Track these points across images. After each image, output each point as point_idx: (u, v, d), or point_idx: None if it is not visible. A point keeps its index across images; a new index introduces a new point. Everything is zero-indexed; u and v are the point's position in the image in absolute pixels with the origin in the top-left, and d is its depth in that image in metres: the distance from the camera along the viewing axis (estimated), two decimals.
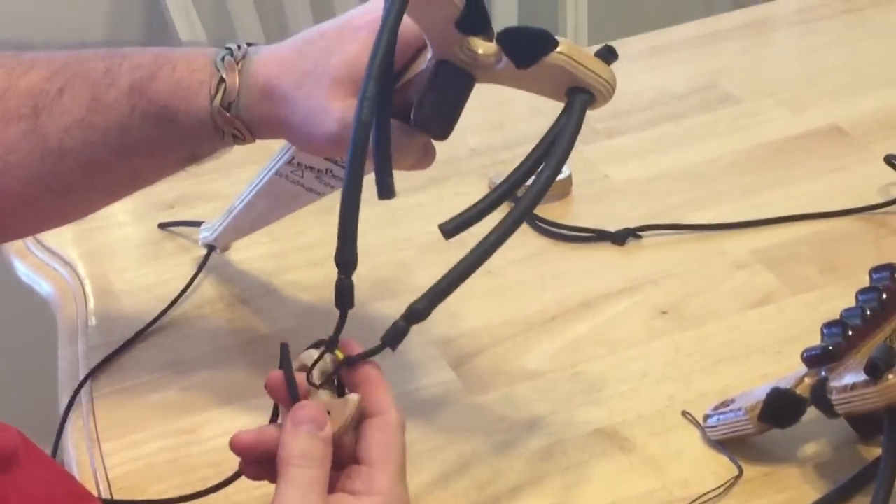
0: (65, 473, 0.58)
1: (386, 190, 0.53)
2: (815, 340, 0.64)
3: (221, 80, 0.60)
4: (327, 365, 0.52)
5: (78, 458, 0.69)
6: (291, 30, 1.53)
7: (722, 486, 0.63)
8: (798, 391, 0.62)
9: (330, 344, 0.52)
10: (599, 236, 0.85)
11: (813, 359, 0.63)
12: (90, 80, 0.61)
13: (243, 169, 0.76)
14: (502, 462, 0.66)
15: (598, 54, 0.54)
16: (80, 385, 0.74)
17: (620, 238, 0.84)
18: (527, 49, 0.53)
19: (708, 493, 0.63)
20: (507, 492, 0.65)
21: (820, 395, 0.61)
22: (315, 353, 0.52)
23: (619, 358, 0.74)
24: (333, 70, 0.57)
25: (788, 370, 0.65)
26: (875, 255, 0.79)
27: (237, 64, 0.60)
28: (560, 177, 0.88)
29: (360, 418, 0.51)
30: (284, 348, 0.53)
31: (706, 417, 0.67)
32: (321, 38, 0.59)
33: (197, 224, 0.86)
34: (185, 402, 0.72)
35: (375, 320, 0.76)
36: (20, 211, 0.64)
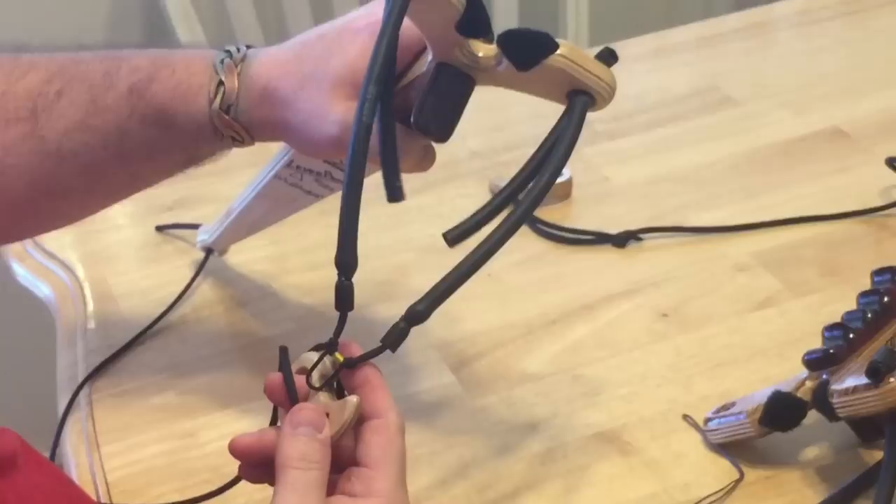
0: (63, 477, 0.58)
1: (395, 193, 0.53)
2: (817, 343, 0.64)
3: (220, 82, 0.60)
4: (327, 367, 0.52)
5: (77, 461, 0.69)
6: (291, 32, 1.53)
7: (723, 489, 0.63)
8: (799, 394, 0.62)
9: (330, 346, 0.51)
10: (600, 239, 0.85)
11: (814, 362, 0.63)
12: (88, 82, 0.61)
13: (243, 171, 0.76)
14: (503, 465, 0.66)
15: (599, 56, 0.54)
16: (79, 388, 0.74)
17: (621, 240, 0.84)
18: (527, 51, 0.53)
19: (709, 496, 0.63)
20: (508, 495, 0.64)
21: (821, 399, 0.61)
22: (314, 356, 0.52)
23: (620, 361, 0.74)
24: (333, 72, 0.57)
25: (790, 373, 0.65)
26: (876, 258, 0.79)
27: (236, 67, 0.60)
28: (561, 179, 0.88)
29: (360, 420, 0.51)
30: (283, 351, 0.52)
31: (707, 421, 0.67)
32: (320, 41, 0.59)
33: (195, 227, 0.86)
34: (184, 406, 0.72)
35: (375, 323, 0.76)
36: (19, 213, 0.64)
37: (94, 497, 0.65)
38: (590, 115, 0.54)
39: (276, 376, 0.52)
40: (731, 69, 1.09)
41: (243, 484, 0.54)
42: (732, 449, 0.65)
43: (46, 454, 0.68)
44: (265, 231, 0.79)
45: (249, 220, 0.77)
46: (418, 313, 0.49)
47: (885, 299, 0.64)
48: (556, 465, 0.66)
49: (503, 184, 0.53)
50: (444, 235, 0.51)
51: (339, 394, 0.52)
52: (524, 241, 0.85)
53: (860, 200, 0.87)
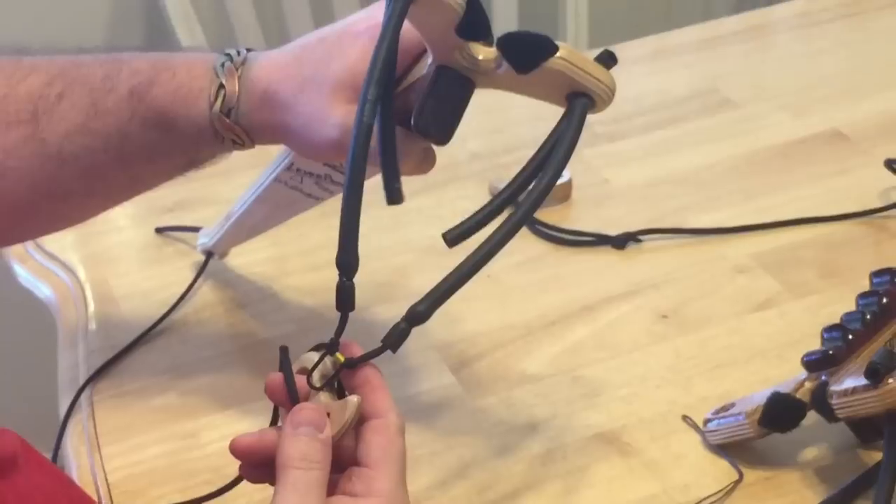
0: (64, 478, 0.58)
1: (394, 195, 0.53)
2: (816, 345, 0.64)
3: (221, 86, 0.60)
4: (327, 367, 0.52)
5: (78, 462, 0.69)
6: (291, 34, 1.53)
7: (722, 490, 0.63)
8: (798, 395, 0.62)
9: (331, 346, 0.52)
10: (600, 240, 0.85)
11: (813, 363, 0.63)
12: (89, 85, 0.61)
13: (244, 173, 0.76)
14: (502, 466, 0.66)
15: (598, 59, 0.54)
16: (81, 389, 0.74)
17: (621, 242, 0.84)
18: (527, 54, 0.53)
19: (708, 497, 0.63)
20: (508, 496, 0.64)
21: (820, 400, 0.61)
22: (315, 356, 0.52)
23: (620, 362, 0.74)
24: (333, 76, 0.57)
25: (789, 374, 0.65)
26: (875, 259, 0.79)
27: (237, 70, 0.60)
28: (560, 181, 0.88)
29: (360, 420, 0.51)
30: (284, 351, 0.53)
31: (706, 422, 0.67)
32: (321, 44, 0.59)
33: (194, 230, 0.86)
34: (185, 407, 0.72)
35: (375, 324, 0.76)
36: (20, 216, 0.64)
37: (94, 498, 0.65)
38: (589, 117, 0.54)
39: (277, 376, 0.52)
40: (731, 71, 1.09)
41: (244, 484, 0.55)
42: (732, 450, 0.65)
43: (48, 455, 0.68)
44: (267, 232, 0.79)
45: (249, 224, 0.77)
46: (419, 314, 0.50)
47: (884, 300, 0.64)
48: (556, 465, 0.66)
49: (503, 185, 0.53)
50: (444, 236, 0.51)
51: (340, 394, 0.52)
52: (524, 243, 0.85)
53: (859, 202, 0.87)
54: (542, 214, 0.87)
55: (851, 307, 0.65)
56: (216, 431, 0.70)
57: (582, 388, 0.72)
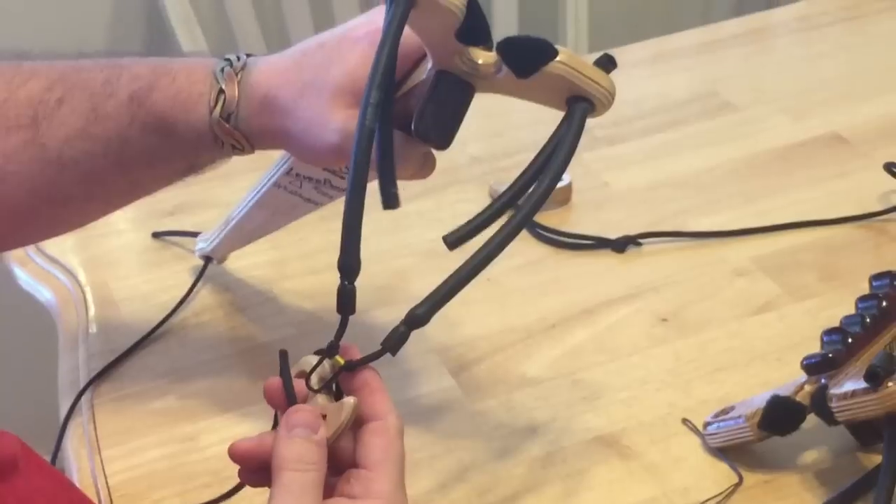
0: (65, 481, 0.58)
1: (391, 200, 0.53)
2: (815, 348, 0.64)
3: (221, 91, 0.60)
4: (326, 370, 0.52)
5: (78, 465, 0.69)
6: (292, 38, 1.53)
7: (722, 493, 0.63)
8: (798, 398, 0.62)
9: (330, 349, 0.52)
10: (600, 243, 0.85)
11: (813, 366, 0.63)
12: (89, 90, 0.61)
13: (244, 175, 0.76)
14: (502, 469, 0.66)
15: (598, 63, 0.54)
16: (81, 392, 0.74)
17: (620, 245, 0.85)
18: (526, 58, 0.53)
19: (708, 500, 0.63)
20: (508, 499, 0.64)
21: (820, 403, 0.61)
22: (314, 359, 0.52)
23: (620, 365, 0.74)
24: (333, 81, 0.58)
25: (788, 377, 0.65)
26: (875, 263, 0.79)
27: (236, 75, 0.60)
28: (560, 184, 0.88)
29: (359, 423, 0.51)
30: (283, 355, 0.53)
31: (706, 425, 0.67)
32: (320, 49, 0.59)
33: (192, 234, 0.86)
34: (184, 410, 0.72)
35: (375, 327, 0.76)
36: (19, 220, 0.64)
37: (95, 500, 0.65)
38: (589, 121, 0.54)
39: (276, 381, 0.52)
40: (731, 75, 1.09)
41: (244, 490, 0.55)
42: (731, 453, 0.65)
43: (48, 458, 0.68)
44: (265, 237, 0.79)
45: (248, 229, 0.77)
46: (418, 317, 0.50)
47: (884, 304, 0.64)
48: (556, 468, 0.66)
49: (503, 189, 0.53)
50: (444, 238, 0.51)
51: (338, 397, 0.52)
52: (524, 246, 0.85)
53: (859, 205, 0.87)
54: (542, 218, 0.87)
55: (851, 310, 0.65)
56: (216, 435, 0.70)
57: (582, 391, 0.72)
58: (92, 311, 0.82)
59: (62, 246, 0.88)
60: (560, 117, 0.55)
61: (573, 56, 0.53)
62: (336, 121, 0.57)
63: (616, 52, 0.55)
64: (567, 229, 0.86)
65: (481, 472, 0.66)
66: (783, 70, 1.10)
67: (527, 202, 0.52)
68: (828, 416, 0.60)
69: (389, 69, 0.51)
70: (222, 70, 0.60)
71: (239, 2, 1.50)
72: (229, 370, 0.75)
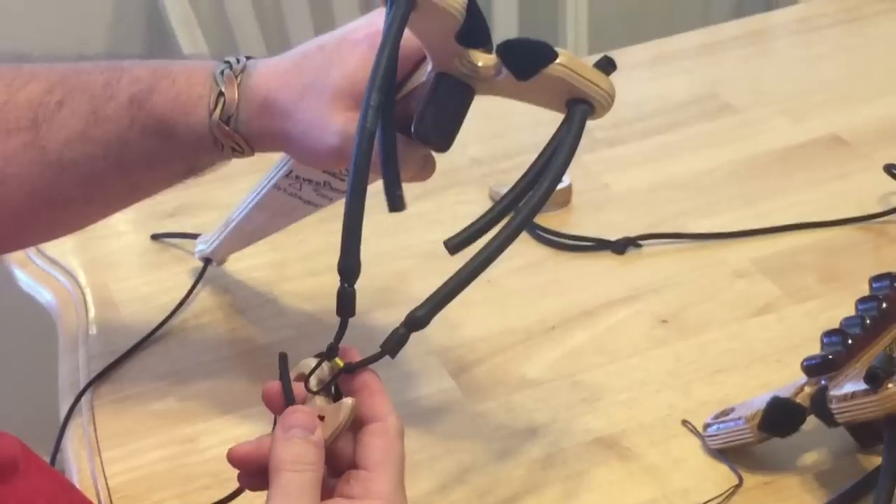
0: (65, 482, 0.58)
1: (396, 202, 0.53)
2: (815, 349, 0.64)
3: (221, 93, 0.60)
4: (325, 372, 0.52)
5: (78, 466, 0.69)
6: (292, 40, 1.53)
7: (722, 495, 0.63)
8: (798, 400, 0.62)
9: (330, 351, 0.52)
10: (599, 245, 0.85)
11: (813, 368, 0.63)
12: (89, 92, 0.61)
13: (244, 177, 0.76)
14: (502, 471, 0.66)
15: (598, 65, 0.54)
16: (81, 394, 0.74)
17: (620, 247, 0.85)
18: (526, 61, 0.53)
19: (708, 502, 0.63)
20: (507, 501, 0.64)
21: (820, 404, 0.61)
22: (313, 362, 0.52)
23: (620, 367, 0.74)
24: (333, 83, 0.58)
25: (788, 379, 0.65)
26: (875, 264, 0.79)
27: (236, 77, 0.60)
28: (560, 186, 0.88)
29: (359, 424, 0.51)
30: (283, 358, 0.53)
31: (706, 426, 0.67)
32: (320, 52, 0.59)
33: (191, 236, 0.86)
34: (184, 412, 0.72)
35: (375, 329, 0.76)
36: (19, 223, 0.64)
37: (95, 502, 0.66)
38: (589, 123, 0.54)
39: (274, 385, 0.52)
40: (731, 76, 1.09)
41: (245, 491, 0.55)
42: (731, 454, 0.65)
43: (48, 459, 0.68)
44: (265, 238, 0.79)
45: (248, 231, 0.77)
46: (418, 319, 0.50)
47: (884, 305, 0.64)
48: (556, 470, 0.66)
49: (503, 191, 0.53)
50: (445, 243, 0.51)
51: (337, 399, 0.52)
52: (524, 248, 0.85)
53: (859, 207, 0.87)
54: (543, 219, 0.87)
55: (851, 312, 0.65)
56: (215, 436, 0.70)
57: (582, 392, 0.72)
58: (92, 313, 0.82)
59: (62, 248, 0.88)
60: (560, 119, 0.55)
61: (573, 58, 0.53)
62: (336, 123, 0.57)
63: (616, 54, 0.55)
64: (567, 231, 0.86)
65: (481, 473, 0.66)
66: (783, 72, 1.10)
67: (526, 205, 0.52)
68: (828, 418, 0.60)
69: (390, 71, 0.51)
70: (222, 73, 0.60)
71: (239, 3, 1.50)
72: (229, 372, 0.75)
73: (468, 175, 0.95)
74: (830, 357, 0.62)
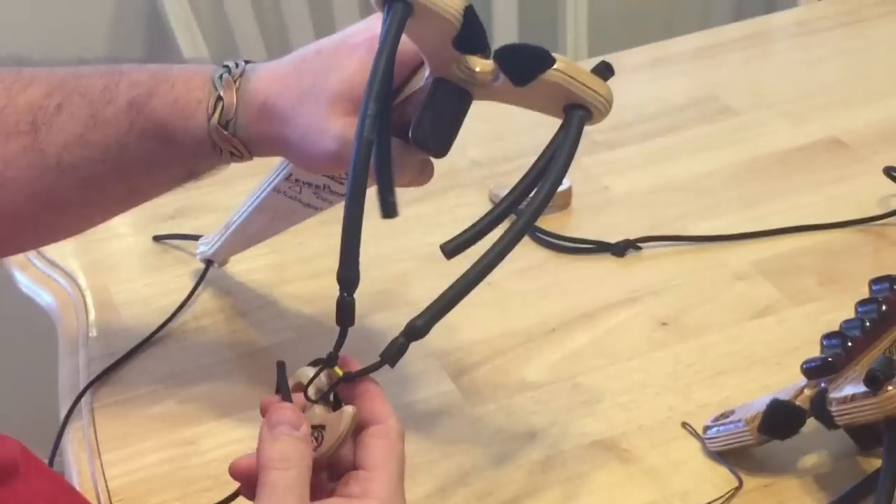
0: (65, 484, 0.58)
1: (389, 209, 0.53)
2: (815, 352, 0.64)
3: (219, 98, 0.60)
4: (322, 381, 0.52)
5: (78, 469, 0.69)
6: (292, 42, 1.53)
7: (722, 497, 0.63)
8: (798, 402, 0.62)
9: (329, 360, 0.52)
10: (599, 248, 0.85)
11: (813, 370, 0.63)
12: (88, 96, 0.61)
13: (244, 180, 0.76)
14: (502, 474, 0.66)
15: (595, 70, 0.54)
16: (80, 395, 0.74)
17: (620, 249, 0.85)
18: (524, 66, 0.53)
19: None
20: (507, 503, 0.64)
21: (820, 407, 0.61)
22: (311, 370, 0.52)
23: (619, 369, 0.74)
24: (331, 88, 0.58)
25: (788, 381, 0.65)
26: (875, 267, 0.79)
27: (235, 82, 0.60)
28: (560, 188, 0.87)
29: (359, 429, 0.51)
30: (281, 367, 0.52)
31: (706, 429, 0.67)
32: (318, 57, 0.59)
33: (193, 238, 0.86)
34: (184, 414, 0.72)
35: (374, 332, 0.76)
36: (18, 226, 0.64)
37: None
38: (589, 125, 0.55)
39: (273, 399, 0.52)
40: (730, 79, 1.09)
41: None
42: (731, 457, 0.65)
43: (46, 461, 0.68)
44: (266, 241, 0.79)
45: (248, 233, 0.77)
46: (417, 329, 0.50)
47: (884, 308, 0.64)
48: (556, 473, 0.66)
49: (503, 193, 0.54)
50: (442, 248, 0.51)
51: (336, 407, 0.52)
52: (524, 250, 0.85)
53: (858, 209, 0.87)
54: (543, 222, 0.87)
55: (851, 314, 0.65)
56: (215, 439, 0.70)
57: (581, 395, 0.72)
58: (92, 315, 0.82)
59: (63, 250, 0.88)
60: (559, 123, 0.55)
61: (570, 64, 0.53)
62: (334, 128, 0.57)
63: (615, 57, 0.55)
64: (567, 233, 0.86)
65: (481, 476, 0.66)
66: (783, 74, 1.10)
67: (524, 211, 0.52)
68: (828, 420, 0.60)
69: (387, 78, 0.51)
70: (221, 77, 0.60)
71: (239, 5, 1.50)
72: (230, 374, 0.75)
73: (468, 177, 0.95)
74: (830, 359, 0.62)
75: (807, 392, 0.63)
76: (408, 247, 0.87)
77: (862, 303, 0.65)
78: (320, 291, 0.82)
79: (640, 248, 0.85)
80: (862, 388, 0.57)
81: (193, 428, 0.71)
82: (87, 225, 0.69)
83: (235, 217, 0.76)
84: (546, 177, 0.52)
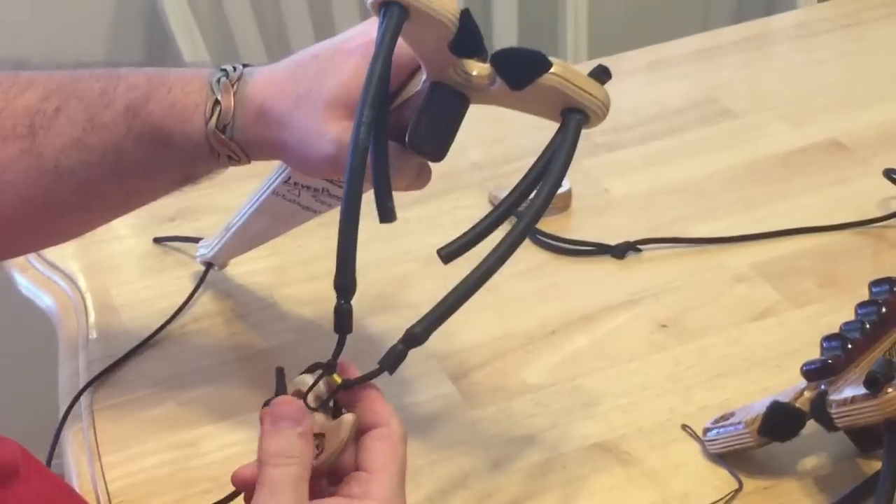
0: (65, 486, 0.58)
1: (387, 214, 0.53)
2: (815, 354, 0.64)
3: (216, 102, 0.60)
4: (321, 389, 0.52)
5: (78, 471, 0.69)
6: (292, 45, 1.53)
7: (722, 499, 0.63)
8: (798, 405, 0.62)
9: (328, 368, 0.52)
10: (599, 250, 0.85)
11: (812, 372, 0.63)
12: (86, 100, 0.61)
13: (244, 182, 0.76)
14: (502, 476, 0.66)
15: (593, 74, 0.54)
16: (78, 395, 0.74)
17: (620, 251, 0.85)
18: (521, 70, 0.53)
19: None
20: None
21: (819, 409, 0.61)
22: (310, 378, 0.52)
23: (619, 371, 0.74)
24: (328, 93, 0.58)
25: (788, 384, 0.65)
26: (874, 269, 0.79)
27: (232, 86, 0.60)
28: (560, 190, 0.88)
29: (360, 432, 0.51)
30: (280, 373, 0.52)
31: (706, 431, 0.67)
32: (315, 61, 0.59)
33: (193, 240, 0.86)
34: (184, 416, 0.72)
35: (375, 334, 0.76)
36: (16, 230, 0.64)
37: None
38: (586, 129, 0.55)
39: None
40: (730, 81, 1.09)
41: (242, 495, 0.55)
42: (731, 459, 0.65)
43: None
44: (266, 242, 0.79)
45: (248, 236, 0.77)
46: (416, 336, 0.50)
47: (884, 310, 0.64)
48: (556, 475, 0.66)
49: (503, 195, 0.54)
50: (439, 252, 0.51)
51: (336, 415, 0.52)
52: (524, 252, 0.85)
53: (858, 212, 0.87)
54: (542, 224, 0.87)
55: (850, 316, 0.65)
56: (215, 441, 0.70)
57: (581, 397, 0.72)
58: (92, 318, 0.82)
59: (63, 252, 0.88)
60: (557, 126, 0.55)
61: (567, 68, 0.53)
62: (331, 132, 0.57)
63: (615, 59, 0.55)
64: (567, 235, 0.86)
65: (481, 478, 0.66)
66: (782, 77, 1.10)
67: (523, 216, 0.52)
68: (827, 422, 0.60)
69: (383, 82, 0.51)
70: (218, 81, 0.60)
71: (239, 8, 1.50)
72: (230, 376, 0.75)
73: (468, 179, 0.95)
74: (830, 362, 0.62)
75: (807, 394, 0.63)
76: (408, 248, 0.87)
77: (862, 305, 0.65)
78: (320, 294, 0.82)
79: (640, 251, 0.85)
80: (862, 391, 0.57)
81: (193, 430, 0.71)
82: (85, 228, 0.69)
83: (235, 219, 0.76)
84: (543, 182, 0.52)
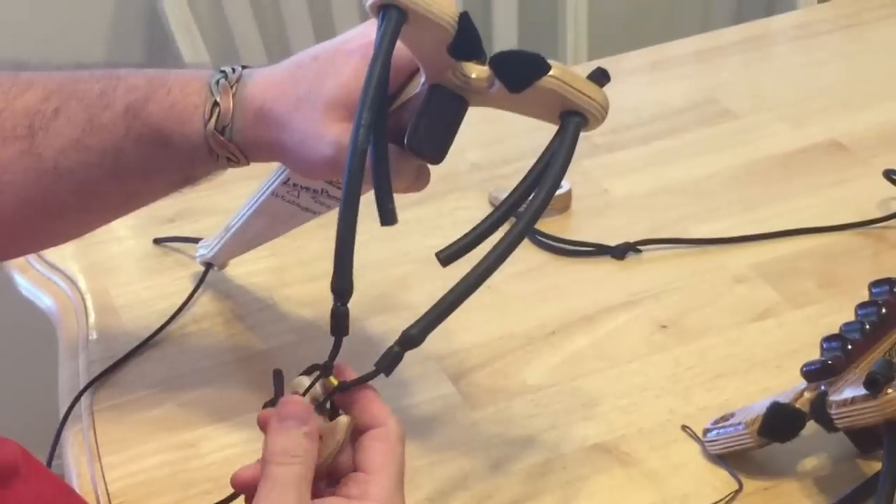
0: (65, 487, 0.58)
1: (388, 216, 0.53)
2: (815, 355, 0.64)
3: (216, 103, 0.60)
4: (318, 391, 0.52)
5: (78, 471, 0.69)
6: (292, 45, 1.53)
7: (722, 500, 0.63)
8: (798, 405, 0.62)
9: (324, 370, 0.52)
10: (599, 250, 0.85)
11: (812, 373, 0.63)
12: (86, 101, 0.61)
13: (244, 183, 0.76)
14: (502, 477, 0.66)
15: (591, 77, 0.54)
16: (78, 396, 0.74)
17: (620, 252, 0.85)
18: (519, 73, 0.53)
19: None
20: None
21: (819, 410, 0.61)
22: (307, 380, 0.52)
23: (619, 372, 0.74)
24: (327, 94, 0.57)
25: (788, 384, 0.65)
26: (874, 270, 0.79)
27: (231, 87, 0.60)
28: (560, 191, 0.88)
29: (358, 433, 0.51)
30: (278, 375, 0.52)
31: (706, 431, 0.67)
32: (314, 62, 0.59)
33: (193, 241, 0.86)
34: (184, 417, 0.72)
35: (374, 336, 0.76)
36: (15, 231, 0.64)
37: None
38: (585, 132, 0.55)
39: (269, 412, 0.52)
40: (730, 82, 1.09)
41: (242, 496, 0.55)
42: (731, 460, 0.65)
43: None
44: (266, 243, 0.79)
45: (247, 237, 0.77)
46: (412, 338, 0.50)
47: (883, 311, 0.64)
48: (556, 476, 0.66)
49: (502, 196, 0.54)
50: (437, 255, 0.51)
51: (333, 417, 0.52)
52: (524, 253, 0.85)
53: (858, 212, 0.87)
54: (542, 224, 0.87)
55: (850, 317, 0.65)
56: (215, 442, 0.70)
57: (581, 398, 0.72)
58: (92, 318, 0.82)
59: (62, 253, 0.88)
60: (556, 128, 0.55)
61: (566, 70, 0.53)
62: (330, 134, 0.57)
63: (614, 60, 0.55)
64: (567, 236, 0.86)
65: (481, 479, 0.66)
66: (783, 77, 1.10)
67: (521, 218, 0.52)
68: (827, 423, 0.60)
69: (382, 84, 0.51)
70: (217, 82, 0.60)
71: (239, 8, 1.50)
72: (229, 377, 0.75)
73: (468, 180, 0.95)
74: (830, 362, 0.62)
75: (807, 395, 0.63)
76: (407, 250, 0.87)
77: (861, 306, 0.65)
78: (319, 294, 0.82)
79: (639, 251, 0.85)
80: (862, 391, 0.57)
81: (193, 431, 0.71)
82: (84, 229, 0.69)
83: (235, 220, 0.76)
84: (541, 184, 0.52)
